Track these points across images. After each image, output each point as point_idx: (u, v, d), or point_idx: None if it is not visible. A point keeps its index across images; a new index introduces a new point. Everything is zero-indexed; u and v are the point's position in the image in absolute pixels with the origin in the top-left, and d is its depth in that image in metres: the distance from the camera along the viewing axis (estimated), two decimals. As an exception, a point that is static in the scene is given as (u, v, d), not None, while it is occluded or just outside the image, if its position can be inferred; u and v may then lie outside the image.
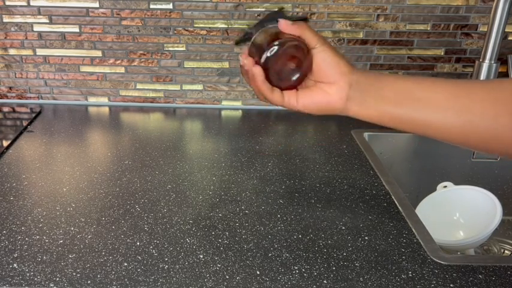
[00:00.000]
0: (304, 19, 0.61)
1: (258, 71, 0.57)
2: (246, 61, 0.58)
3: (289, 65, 0.57)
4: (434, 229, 0.76)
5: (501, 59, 1.07)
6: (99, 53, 1.14)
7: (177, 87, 1.18)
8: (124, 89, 1.18)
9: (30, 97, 1.18)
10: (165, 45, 1.13)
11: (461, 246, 0.86)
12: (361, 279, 0.60)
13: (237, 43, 0.63)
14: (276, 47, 0.56)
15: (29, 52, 1.14)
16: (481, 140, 0.53)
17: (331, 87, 0.57)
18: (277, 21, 0.59)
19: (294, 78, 0.58)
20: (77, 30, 1.12)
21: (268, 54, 0.56)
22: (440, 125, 0.54)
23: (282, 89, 0.60)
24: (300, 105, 0.59)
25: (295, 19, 0.60)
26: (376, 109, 0.57)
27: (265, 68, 0.57)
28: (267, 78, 0.58)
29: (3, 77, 1.16)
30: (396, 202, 0.78)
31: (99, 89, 1.18)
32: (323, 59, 0.57)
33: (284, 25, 0.57)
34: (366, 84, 0.57)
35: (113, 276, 0.59)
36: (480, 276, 0.61)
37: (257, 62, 0.58)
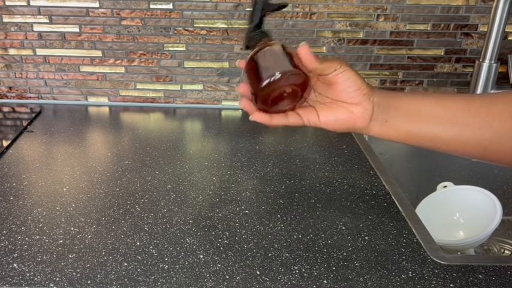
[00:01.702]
0: (284, 6, 0.61)
1: (259, 118, 0.57)
2: (247, 107, 0.57)
3: (287, 91, 0.55)
4: (434, 229, 0.76)
5: (501, 59, 1.07)
6: (99, 53, 1.14)
7: (177, 87, 1.18)
8: (124, 89, 1.18)
9: (30, 97, 1.19)
10: (165, 45, 1.13)
11: (461, 246, 0.86)
12: (361, 279, 0.60)
13: (247, 47, 0.62)
14: (278, 75, 0.54)
15: (29, 52, 1.14)
16: (501, 154, 0.53)
17: (356, 107, 0.57)
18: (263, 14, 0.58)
19: (289, 105, 0.57)
20: (77, 30, 1.12)
21: (268, 81, 0.54)
22: (460, 141, 0.55)
23: (270, 113, 0.57)
24: (322, 122, 0.59)
25: (276, 7, 0.59)
26: (396, 129, 0.57)
27: (261, 92, 0.55)
28: (261, 99, 0.56)
29: (3, 77, 1.16)
30: (396, 202, 0.78)
31: (99, 89, 1.18)
32: (346, 79, 0.56)
33: (304, 51, 0.55)
34: (386, 105, 0.57)
35: (112, 276, 0.59)
36: (480, 276, 0.61)
37: (253, 83, 0.56)
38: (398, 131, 0.57)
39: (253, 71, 0.56)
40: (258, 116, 0.57)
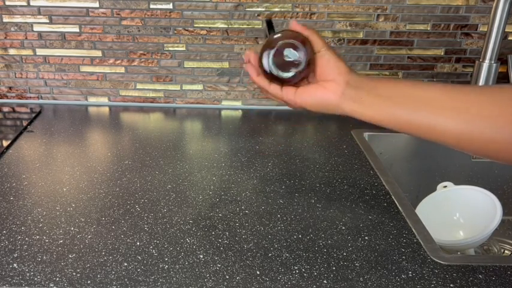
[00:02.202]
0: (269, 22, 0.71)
1: (250, 68, 0.64)
2: (249, 54, 0.65)
3: (292, 59, 0.62)
4: (434, 229, 0.76)
5: (501, 59, 1.07)
6: (99, 53, 1.14)
7: (177, 87, 1.18)
8: (124, 89, 1.18)
9: (30, 97, 1.19)
10: (165, 45, 1.13)
11: (461, 246, 0.86)
12: (361, 279, 0.60)
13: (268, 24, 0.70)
14: (280, 42, 0.62)
15: (29, 52, 1.14)
16: (477, 142, 0.53)
17: (329, 83, 0.62)
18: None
19: (293, 73, 0.63)
20: (77, 30, 1.12)
21: (274, 45, 0.62)
22: (436, 125, 0.55)
23: (281, 84, 0.64)
24: (297, 99, 0.64)
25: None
26: (372, 108, 0.58)
27: (270, 58, 0.63)
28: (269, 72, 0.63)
29: (3, 77, 1.16)
30: (396, 202, 0.78)
31: (99, 89, 1.18)
32: (327, 60, 0.62)
33: (295, 25, 0.63)
34: (361, 82, 0.60)
35: (113, 276, 0.59)
36: (480, 276, 0.61)
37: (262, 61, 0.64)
38: (374, 110, 0.59)
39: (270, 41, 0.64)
40: (258, 79, 0.65)
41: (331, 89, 0.61)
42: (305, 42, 0.62)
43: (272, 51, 0.62)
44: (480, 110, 0.52)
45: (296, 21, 0.64)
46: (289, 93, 0.64)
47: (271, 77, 0.64)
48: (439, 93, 0.55)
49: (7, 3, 1.09)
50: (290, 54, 0.62)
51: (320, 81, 0.63)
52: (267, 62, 0.63)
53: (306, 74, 0.64)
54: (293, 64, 0.62)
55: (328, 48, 0.63)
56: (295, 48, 0.62)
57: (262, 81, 0.64)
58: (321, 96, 0.62)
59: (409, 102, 0.56)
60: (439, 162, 1.07)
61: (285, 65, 0.63)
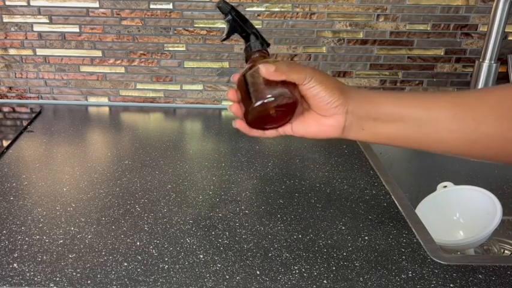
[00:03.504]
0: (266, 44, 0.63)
1: (241, 126, 0.59)
2: (234, 109, 0.59)
3: (273, 115, 0.57)
4: (434, 229, 0.76)
5: (501, 59, 1.07)
6: (99, 53, 1.14)
7: (177, 87, 1.18)
8: (124, 89, 1.18)
9: (30, 97, 1.19)
10: (165, 45, 1.13)
11: (461, 246, 0.86)
12: (361, 279, 0.60)
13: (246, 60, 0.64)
14: (260, 101, 0.55)
15: (29, 52, 1.14)
16: (488, 152, 0.53)
17: (327, 119, 0.57)
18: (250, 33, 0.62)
19: (280, 123, 0.59)
20: (77, 30, 1.12)
21: (254, 104, 0.56)
22: (445, 145, 0.54)
23: (264, 129, 0.60)
24: (295, 132, 0.60)
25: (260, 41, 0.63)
26: (374, 134, 0.57)
27: (251, 114, 0.57)
28: (252, 119, 0.58)
29: (3, 77, 1.16)
30: (396, 202, 0.78)
31: (99, 89, 1.18)
32: (314, 95, 0.55)
33: (266, 74, 0.55)
34: (361, 112, 0.56)
35: (113, 276, 0.59)
36: (480, 276, 0.61)
37: (244, 100, 0.58)
38: (378, 136, 0.57)
39: (245, 90, 0.57)
40: (239, 124, 0.59)
41: (330, 125, 0.57)
42: (285, 93, 0.55)
43: (253, 113, 0.56)
44: (494, 130, 0.51)
45: (267, 70, 0.54)
46: (286, 129, 0.59)
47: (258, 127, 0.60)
48: (444, 114, 0.53)
49: (7, 3, 1.09)
50: (272, 116, 0.57)
51: (316, 114, 0.57)
52: (250, 117, 0.57)
53: (288, 121, 0.59)
54: (279, 118, 0.58)
55: (312, 77, 0.55)
56: (275, 111, 0.56)
57: (256, 133, 0.60)
58: (320, 133, 0.58)
59: (415, 126, 0.55)
60: (439, 162, 1.07)
61: (272, 122, 0.58)
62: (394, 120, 0.55)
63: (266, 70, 0.54)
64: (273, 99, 0.55)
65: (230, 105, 0.60)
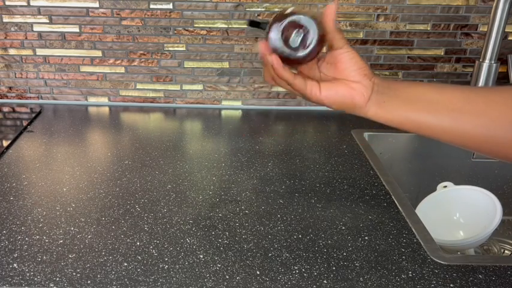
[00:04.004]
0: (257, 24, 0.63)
1: (274, 59, 0.58)
2: (263, 46, 0.59)
3: (299, 32, 0.58)
4: (434, 229, 0.76)
5: (501, 59, 1.07)
6: (99, 53, 1.14)
7: (177, 87, 1.18)
8: (124, 89, 1.18)
9: (30, 97, 1.19)
10: (165, 45, 1.13)
11: (461, 246, 0.86)
12: (361, 279, 0.60)
13: (251, 24, 0.64)
14: (292, 11, 0.58)
15: (29, 52, 1.14)
16: (497, 145, 0.53)
17: (356, 84, 0.59)
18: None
19: (308, 49, 0.58)
20: (77, 30, 1.12)
21: (287, 11, 0.58)
22: (457, 129, 0.55)
23: (298, 63, 0.60)
24: (323, 95, 0.60)
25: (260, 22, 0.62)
26: (394, 112, 0.58)
27: (279, 30, 0.58)
28: (281, 51, 0.58)
29: (3, 77, 1.16)
30: (396, 202, 0.78)
31: (99, 89, 1.18)
32: (350, 58, 0.59)
33: (327, 10, 0.59)
34: (385, 87, 0.59)
35: (113, 276, 0.59)
36: (480, 276, 0.61)
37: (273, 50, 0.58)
38: (396, 114, 0.58)
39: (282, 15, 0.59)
40: (274, 58, 0.58)
41: (360, 91, 0.59)
42: (315, 17, 0.59)
43: (281, 27, 0.58)
44: (500, 114, 0.52)
45: (331, 9, 0.59)
46: (313, 89, 0.60)
47: (281, 58, 0.59)
48: (457, 96, 0.55)
49: (7, 3, 1.09)
50: (297, 33, 0.58)
51: (345, 80, 0.60)
52: (276, 39, 0.58)
53: (318, 51, 0.59)
54: (303, 42, 0.58)
55: (349, 47, 0.60)
56: (301, 27, 0.58)
57: (287, 74, 0.59)
58: (348, 96, 0.59)
59: (429, 106, 0.56)
60: (439, 162, 1.07)
61: (300, 41, 0.58)
62: (413, 99, 0.57)
63: (333, 6, 0.60)
64: (303, 16, 0.58)
65: (259, 43, 0.59)
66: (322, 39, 0.59)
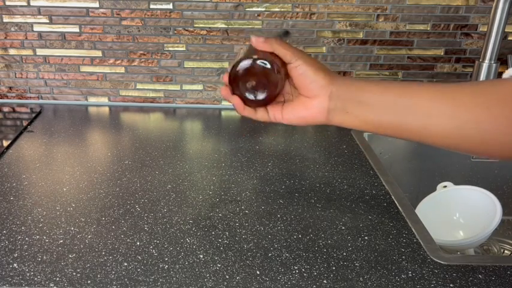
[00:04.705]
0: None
1: (235, 101, 0.59)
2: (224, 92, 0.60)
3: (254, 83, 0.58)
4: (434, 229, 0.76)
5: (501, 59, 1.07)
6: (99, 53, 1.14)
7: (177, 87, 1.18)
8: (124, 89, 1.18)
9: (30, 97, 1.19)
10: (165, 45, 1.13)
11: (461, 246, 0.86)
12: (361, 279, 0.60)
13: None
14: (242, 63, 0.57)
15: (29, 52, 1.14)
16: (470, 144, 0.53)
17: (312, 101, 0.58)
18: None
19: (262, 96, 0.59)
20: (77, 30, 1.12)
21: (236, 69, 0.58)
22: (427, 130, 0.54)
23: (253, 106, 0.61)
24: (285, 119, 0.61)
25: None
26: (359, 119, 0.57)
27: (235, 82, 0.59)
28: (239, 93, 0.59)
29: (3, 77, 1.16)
30: (396, 202, 0.78)
31: (99, 89, 1.18)
32: (300, 74, 0.57)
33: (255, 42, 0.58)
34: (346, 95, 0.57)
35: (113, 276, 0.59)
36: (480, 276, 0.61)
37: (232, 68, 0.59)
38: (361, 120, 0.57)
39: (235, 64, 0.59)
40: (235, 100, 0.60)
41: (316, 107, 0.58)
42: (271, 62, 0.57)
43: (239, 78, 0.58)
44: (471, 116, 0.51)
45: (256, 38, 0.58)
46: (276, 115, 0.61)
47: (244, 101, 0.60)
48: (427, 100, 0.53)
49: (7, 3, 1.09)
50: (253, 82, 0.58)
51: (303, 97, 0.59)
52: (236, 87, 0.59)
53: (278, 91, 0.59)
54: (259, 86, 0.58)
55: (298, 57, 0.57)
56: (251, 74, 0.57)
57: (248, 113, 0.61)
58: (308, 116, 0.59)
59: (396, 111, 0.55)
60: (439, 162, 1.07)
61: (254, 89, 0.59)
62: (377, 105, 0.55)
63: (256, 39, 0.58)
64: (259, 62, 0.57)
65: (222, 88, 0.61)
66: (275, 71, 0.57)
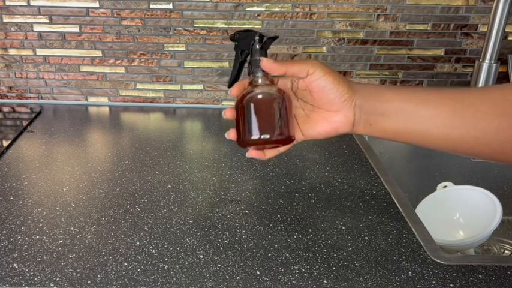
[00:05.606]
0: (275, 38, 0.60)
1: (253, 154, 0.57)
2: (231, 135, 0.58)
3: (267, 147, 0.57)
4: (434, 229, 0.76)
5: (501, 59, 1.07)
6: (99, 53, 1.14)
7: (177, 87, 1.18)
8: (124, 89, 1.18)
9: (30, 97, 1.19)
10: (165, 45, 1.13)
11: (461, 246, 0.86)
12: (361, 279, 0.60)
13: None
14: (254, 136, 0.56)
15: (29, 52, 1.14)
16: (489, 151, 0.53)
17: (336, 115, 0.55)
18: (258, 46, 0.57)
19: (277, 127, 0.56)
20: (77, 30, 1.12)
21: (249, 137, 0.56)
22: (448, 140, 0.54)
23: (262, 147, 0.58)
24: (306, 137, 0.58)
25: (266, 38, 0.58)
26: (381, 129, 0.56)
27: (244, 142, 0.57)
28: (244, 146, 0.57)
29: (3, 77, 1.16)
30: (396, 202, 0.78)
31: (99, 89, 1.18)
32: (321, 87, 0.54)
33: (267, 66, 0.55)
34: (369, 107, 0.55)
35: (113, 276, 0.59)
36: (480, 276, 0.61)
37: (242, 127, 0.57)
38: (384, 131, 0.56)
39: (243, 116, 0.56)
40: (254, 154, 0.58)
41: (340, 122, 0.55)
42: (271, 99, 0.55)
43: (247, 143, 0.57)
44: (493, 126, 0.51)
45: (267, 61, 0.54)
46: (297, 136, 0.58)
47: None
48: (449, 111, 0.53)
49: (7, 3, 1.09)
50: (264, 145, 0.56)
51: (324, 112, 0.56)
52: (242, 145, 0.57)
53: (288, 116, 0.56)
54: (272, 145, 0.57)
55: (315, 67, 0.53)
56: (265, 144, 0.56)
57: (257, 155, 0.58)
58: (331, 130, 0.56)
59: (418, 121, 0.54)
60: (439, 162, 1.07)
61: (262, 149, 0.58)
62: (399, 116, 0.55)
63: (267, 62, 0.54)
64: (267, 136, 0.55)
65: (225, 111, 0.57)
66: (285, 116, 0.55)
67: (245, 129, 0.56)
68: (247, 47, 0.58)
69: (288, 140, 0.56)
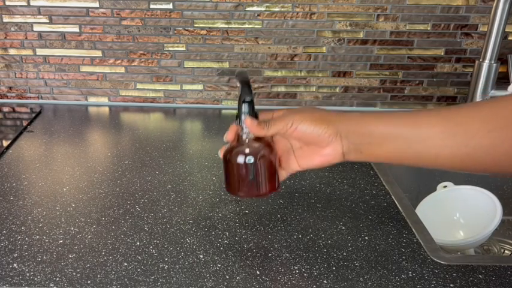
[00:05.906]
0: (242, 73, 0.63)
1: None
2: (229, 137, 0.63)
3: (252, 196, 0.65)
4: (434, 229, 0.76)
5: (501, 59, 1.07)
6: (99, 53, 1.14)
7: (177, 87, 1.18)
8: (124, 89, 1.18)
9: (30, 97, 1.19)
10: (165, 45, 1.13)
11: (461, 246, 0.86)
12: (361, 279, 0.60)
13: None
14: (238, 193, 0.65)
15: (29, 52, 1.14)
16: (481, 166, 0.53)
17: (325, 149, 0.59)
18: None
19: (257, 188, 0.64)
20: (77, 30, 1.12)
21: (236, 192, 0.65)
22: (441, 159, 0.55)
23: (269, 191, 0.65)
24: (303, 168, 0.63)
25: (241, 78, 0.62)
26: (372, 156, 0.59)
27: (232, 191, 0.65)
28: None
29: (3, 77, 1.16)
30: (396, 202, 0.78)
31: (99, 89, 1.18)
32: (303, 132, 0.59)
33: (248, 126, 0.61)
34: (356, 137, 0.58)
35: (113, 276, 0.59)
36: (480, 276, 0.61)
37: (228, 172, 0.64)
38: (375, 157, 0.59)
39: (225, 169, 0.64)
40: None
41: (330, 154, 0.59)
42: (256, 152, 0.61)
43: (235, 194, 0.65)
44: (485, 142, 0.51)
45: (250, 122, 0.61)
46: (293, 168, 0.63)
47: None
48: (440, 132, 0.54)
49: (7, 3, 1.09)
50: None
51: (315, 148, 0.60)
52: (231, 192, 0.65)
53: (272, 170, 0.62)
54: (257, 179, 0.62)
55: (291, 119, 0.59)
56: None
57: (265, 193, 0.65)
58: (325, 161, 0.60)
59: (409, 144, 0.56)
60: (439, 162, 1.06)
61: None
62: (388, 141, 0.57)
63: (249, 123, 0.61)
64: (242, 194, 0.65)
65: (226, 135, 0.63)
66: (267, 165, 0.62)
67: (226, 182, 0.64)
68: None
69: (265, 195, 0.64)
